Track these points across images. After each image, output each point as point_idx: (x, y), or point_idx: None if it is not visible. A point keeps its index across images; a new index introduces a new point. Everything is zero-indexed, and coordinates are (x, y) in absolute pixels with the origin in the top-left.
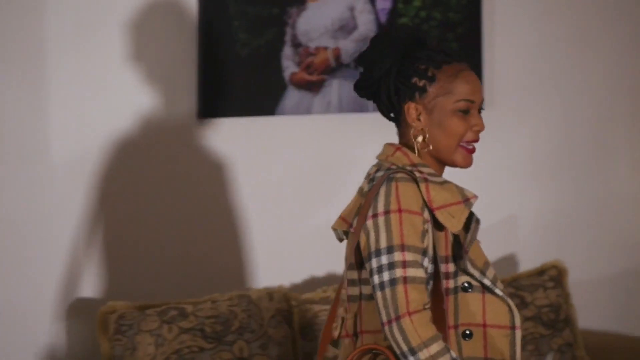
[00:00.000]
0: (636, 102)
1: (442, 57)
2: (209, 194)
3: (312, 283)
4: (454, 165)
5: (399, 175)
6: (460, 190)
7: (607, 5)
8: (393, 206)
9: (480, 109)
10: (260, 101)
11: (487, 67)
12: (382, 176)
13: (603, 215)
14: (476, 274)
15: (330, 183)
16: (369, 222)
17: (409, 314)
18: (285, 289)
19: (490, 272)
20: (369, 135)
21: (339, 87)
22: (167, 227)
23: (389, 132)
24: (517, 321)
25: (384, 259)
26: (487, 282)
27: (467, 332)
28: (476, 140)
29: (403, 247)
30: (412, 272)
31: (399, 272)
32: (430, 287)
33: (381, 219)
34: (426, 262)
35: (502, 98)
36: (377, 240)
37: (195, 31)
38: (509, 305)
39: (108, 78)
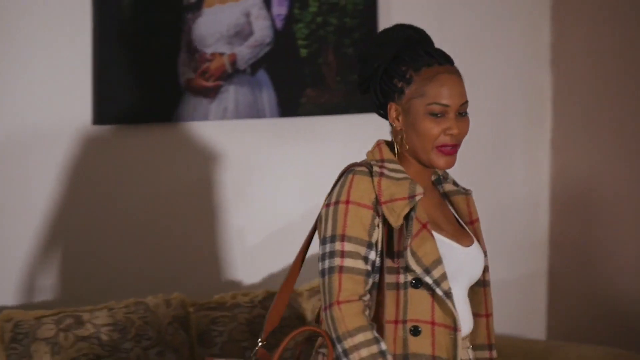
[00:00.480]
0: (531, 105)
1: (424, 59)
2: (103, 201)
3: (210, 289)
4: (432, 166)
5: (358, 168)
6: (414, 187)
7: (502, 8)
8: (343, 197)
9: (461, 113)
10: (156, 108)
11: None
12: (344, 168)
13: (497, 219)
14: (418, 270)
15: (228, 189)
16: (322, 210)
17: (338, 302)
18: (182, 295)
19: (439, 271)
20: (266, 140)
21: (236, 93)
22: (58, 233)
23: (287, 137)
24: (458, 323)
25: (327, 247)
26: (428, 280)
27: (415, 328)
28: (451, 144)
29: (344, 238)
30: (349, 262)
31: (337, 261)
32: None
33: (331, 209)
34: (373, 255)
35: None
36: (325, 229)
37: (90, 36)
38: (450, 307)
39: (4, 80)
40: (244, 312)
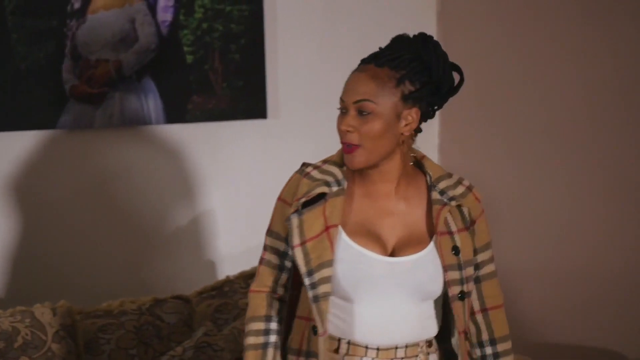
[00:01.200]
0: None
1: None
2: None
3: (96, 297)
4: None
5: (300, 168)
6: (313, 187)
7: (389, 14)
8: (279, 194)
9: (361, 112)
10: (41, 115)
11: (271, 78)
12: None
13: None
14: (302, 270)
15: (109, 197)
16: None
17: (250, 291)
18: (68, 303)
19: (322, 274)
20: (151, 147)
21: (121, 100)
22: None
23: (174, 144)
24: (319, 327)
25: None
26: (306, 281)
27: (314, 327)
28: (346, 142)
29: (268, 232)
30: (267, 255)
31: (262, 254)
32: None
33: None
34: (291, 251)
35: (286, 108)
36: None
37: None
38: (314, 310)
39: None
40: (132, 320)
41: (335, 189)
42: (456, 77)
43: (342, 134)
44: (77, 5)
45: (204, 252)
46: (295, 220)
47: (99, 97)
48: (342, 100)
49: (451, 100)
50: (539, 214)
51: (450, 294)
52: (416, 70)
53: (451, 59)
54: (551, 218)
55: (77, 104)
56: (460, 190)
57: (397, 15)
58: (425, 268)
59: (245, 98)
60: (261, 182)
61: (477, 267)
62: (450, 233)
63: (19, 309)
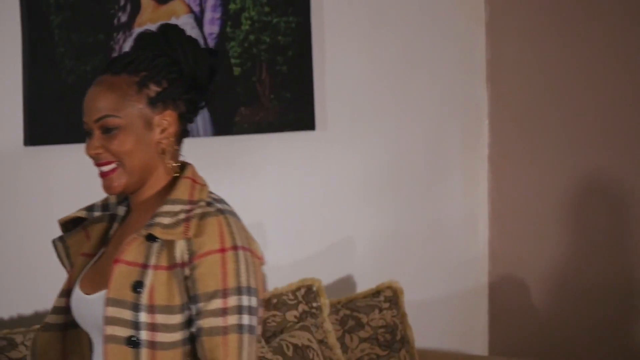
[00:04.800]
0: (468, 122)
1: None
2: (39, 222)
3: None
4: None
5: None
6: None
7: (437, 25)
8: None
9: (107, 129)
10: None
11: (318, 90)
12: None
13: (437, 235)
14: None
15: None
16: None
17: None
18: None
19: (58, 302)
20: (199, 159)
21: None
22: None
23: (222, 156)
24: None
25: None
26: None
27: None
28: (98, 164)
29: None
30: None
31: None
32: None
33: None
34: None
35: (334, 120)
36: None
37: (20, 58)
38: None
39: None
40: None
41: (97, 214)
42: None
43: (93, 159)
44: (123, 18)
45: None
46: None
47: None
48: (84, 122)
49: (501, 110)
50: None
51: (104, 333)
52: (160, 68)
53: (499, 68)
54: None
55: None
56: (172, 220)
57: (445, 24)
58: (99, 309)
59: (292, 110)
60: (309, 193)
61: (197, 316)
62: (143, 266)
63: None
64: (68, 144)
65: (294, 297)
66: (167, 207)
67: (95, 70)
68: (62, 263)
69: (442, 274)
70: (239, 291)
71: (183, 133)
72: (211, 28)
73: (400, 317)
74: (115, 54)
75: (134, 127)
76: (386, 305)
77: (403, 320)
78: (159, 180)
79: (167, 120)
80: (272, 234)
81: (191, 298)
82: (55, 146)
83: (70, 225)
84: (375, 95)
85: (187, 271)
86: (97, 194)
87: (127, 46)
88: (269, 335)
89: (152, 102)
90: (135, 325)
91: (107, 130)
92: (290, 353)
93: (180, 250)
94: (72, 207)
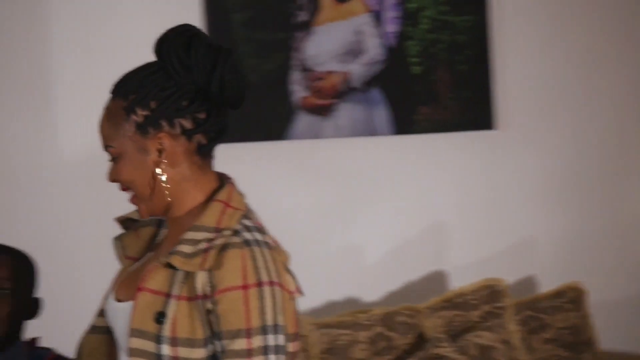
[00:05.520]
0: None
1: None
2: None
3: (329, 307)
4: None
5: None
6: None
7: (618, 27)
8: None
9: (110, 156)
10: (269, 126)
11: (497, 89)
12: None
13: (622, 236)
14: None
15: (344, 207)
16: None
17: None
18: (301, 313)
19: (103, 304)
20: (380, 158)
21: (349, 111)
22: None
23: (402, 154)
24: None
25: None
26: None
27: None
28: (122, 190)
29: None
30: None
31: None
32: None
33: None
34: None
35: (513, 119)
36: None
37: None
38: None
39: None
40: (365, 331)
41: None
42: None
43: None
44: (303, 17)
45: (434, 264)
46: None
47: (327, 109)
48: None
49: None
50: None
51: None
52: (148, 89)
53: None
54: None
55: (305, 115)
56: (192, 249)
57: (627, 23)
58: (126, 320)
59: (471, 109)
60: (489, 192)
61: (222, 355)
62: (167, 295)
63: None
64: (251, 142)
65: (477, 297)
66: (190, 234)
67: (276, 69)
68: (121, 261)
69: (626, 275)
70: (264, 330)
71: (201, 148)
72: (390, 27)
73: (585, 319)
74: (294, 53)
75: (128, 155)
76: (570, 306)
77: (587, 322)
78: (190, 199)
79: (162, 144)
80: (453, 233)
81: (215, 334)
82: (238, 144)
83: (128, 223)
84: (555, 94)
85: (209, 305)
86: (280, 190)
87: (306, 45)
88: (452, 334)
89: (141, 128)
90: (159, 358)
91: (113, 159)
92: (475, 352)
93: (202, 281)
94: (255, 204)
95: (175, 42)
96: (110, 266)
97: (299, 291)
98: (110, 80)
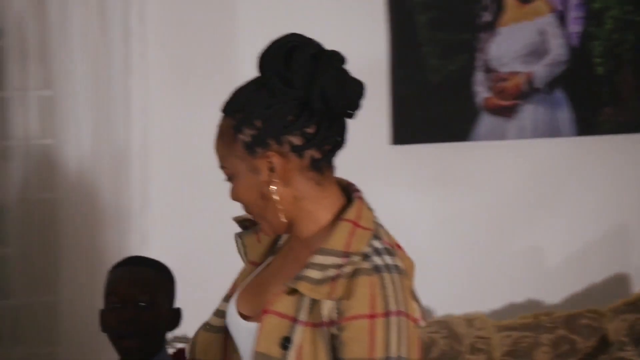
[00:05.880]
0: None
1: None
2: (397, 218)
3: (511, 309)
4: None
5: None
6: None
7: None
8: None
9: (228, 178)
10: (453, 127)
11: None
12: None
13: None
14: None
15: (526, 209)
16: None
17: None
18: (484, 315)
19: (222, 305)
20: (563, 159)
21: (533, 112)
22: None
23: (585, 156)
24: None
25: None
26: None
27: None
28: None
29: None
30: None
31: None
32: None
33: None
34: None
35: None
36: None
37: (386, 58)
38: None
39: None
40: (547, 333)
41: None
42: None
43: None
44: (487, 18)
45: (617, 266)
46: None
47: (510, 109)
48: None
49: None
50: None
51: None
52: (253, 107)
53: None
54: None
55: (489, 116)
56: (320, 275)
57: None
58: (251, 342)
59: None
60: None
61: None
62: (293, 320)
63: (436, 319)
64: (432, 143)
65: None
66: (319, 258)
67: (460, 69)
68: (243, 259)
69: None
70: None
71: (315, 163)
72: (574, 27)
73: None
74: (478, 54)
75: (240, 176)
76: None
77: None
78: (314, 219)
79: (272, 162)
80: (637, 236)
81: None
82: (419, 145)
83: (247, 223)
84: None
85: (334, 330)
86: (463, 191)
87: (490, 46)
88: (636, 338)
89: (249, 148)
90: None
91: (228, 179)
92: None
93: (328, 308)
94: (437, 205)
95: (275, 55)
96: None
97: (423, 318)
98: None
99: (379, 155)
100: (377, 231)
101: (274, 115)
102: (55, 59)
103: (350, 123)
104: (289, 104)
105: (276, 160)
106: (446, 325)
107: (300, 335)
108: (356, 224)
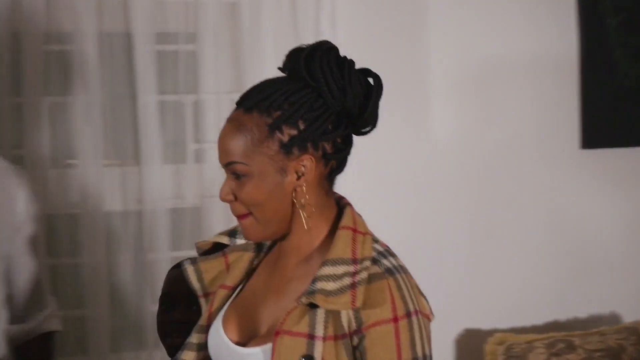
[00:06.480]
0: None
1: None
2: (585, 222)
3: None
4: None
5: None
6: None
7: None
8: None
9: (235, 174)
10: None
11: None
12: None
13: None
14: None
15: None
16: None
17: None
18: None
19: (196, 338)
20: None
21: None
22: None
23: None
24: None
25: None
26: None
27: None
28: (237, 213)
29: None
30: None
31: None
32: None
33: None
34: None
35: None
36: None
37: (577, 61)
38: None
39: (498, 94)
40: None
41: (240, 241)
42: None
43: (226, 203)
44: None
45: None
46: (189, 268)
47: None
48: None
49: None
50: None
51: None
52: (297, 107)
53: None
54: None
55: None
56: (335, 285)
57: None
58: None
59: None
60: None
61: None
62: (310, 336)
63: (624, 325)
64: (623, 147)
65: None
66: (328, 270)
67: None
68: (192, 287)
69: None
70: None
71: (331, 173)
72: None
73: None
74: None
75: (264, 175)
76: None
77: None
78: (316, 230)
79: (305, 165)
80: None
81: None
82: (610, 149)
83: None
84: None
85: (355, 340)
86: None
87: None
88: None
89: (286, 148)
90: None
91: (237, 176)
92: None
93: (347, 318)
94: (619, 210)
95: (329, 60)
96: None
97: (432, 313)
98: (483, 82)
99: (569, 159)
100: (372, 235)
101: (318, 119)
102: (246, 63)
103: (540, 127)
104: (331, 111)
105: (308, 164)
106: (635, 331)
107: (321, 350)
108: (355, 230)
